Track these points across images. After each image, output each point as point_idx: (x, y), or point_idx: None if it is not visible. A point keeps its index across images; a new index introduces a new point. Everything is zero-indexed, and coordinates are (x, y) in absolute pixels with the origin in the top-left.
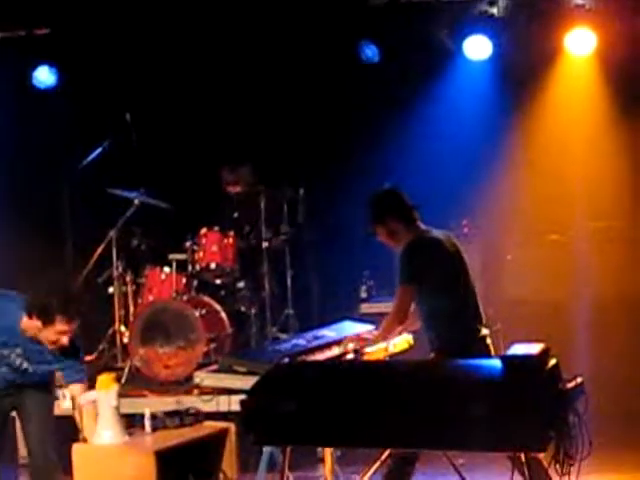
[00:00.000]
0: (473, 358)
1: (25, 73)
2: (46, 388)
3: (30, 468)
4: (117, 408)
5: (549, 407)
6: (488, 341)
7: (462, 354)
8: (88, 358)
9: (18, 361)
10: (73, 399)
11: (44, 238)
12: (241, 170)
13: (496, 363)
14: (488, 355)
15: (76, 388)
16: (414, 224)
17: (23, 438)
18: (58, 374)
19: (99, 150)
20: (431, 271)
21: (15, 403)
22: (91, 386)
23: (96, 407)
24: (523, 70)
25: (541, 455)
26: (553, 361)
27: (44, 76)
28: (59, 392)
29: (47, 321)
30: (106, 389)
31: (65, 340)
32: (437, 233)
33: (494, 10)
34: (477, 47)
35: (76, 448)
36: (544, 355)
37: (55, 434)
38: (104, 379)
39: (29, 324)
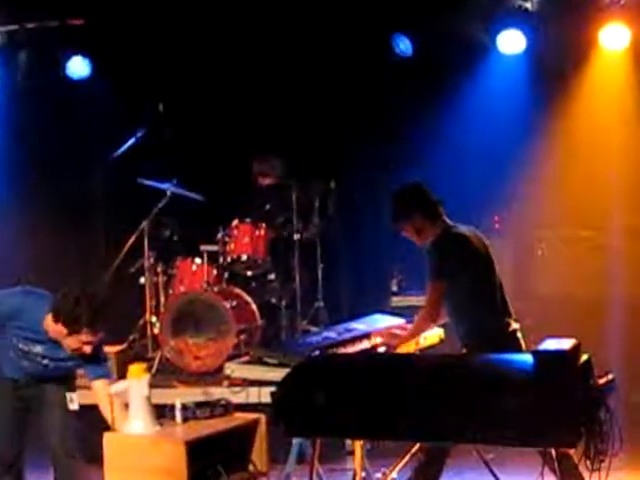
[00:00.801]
0: (504, 353)
1: (59, 63)
2: (67, 382)
3: (51, 457)
4: (148, 398)
5: (580, 403)
6: (519, 335)
7: (493, 349)
8: (118, 348)
9: (39, 357)
10: (99, 393)
11: (76, 228)
12: (272, 162)
13: (527, 358)
14: (519, 350)
15: (100, 383)
16: (440, 219)
17: (42, 432)
18: (80, 371)
19: (132, 141)
20: (459, 266)
21: (37, 394)
22: (121, 377)
23: (126, 397)
24: (557, 65)
25: (571, 451)
26: (585, 357)
27: (78, 67)
28: (67, 395)
29: (73, 331)
30: (137, 378)
31: (88, 349)
32: (463, 228)
33: (528, 4)
34: (511, 41)
35: (107, 437)
36: (576, 351)
37: (76, 428)
38: (135, 368)
39: (53, 327)
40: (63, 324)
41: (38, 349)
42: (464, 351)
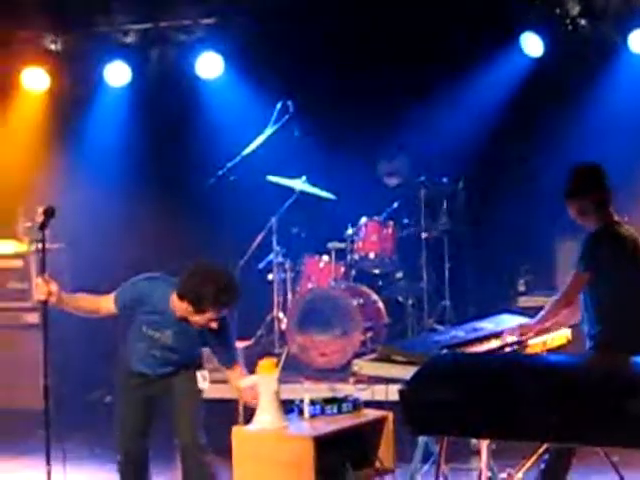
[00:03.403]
0: (634, 355)
1: (191, 62)
2: (195, 370)
3: (180, 450)
4: (277, 393)
5: None
6: None
7: (623, 350)
8: (246, 343)
9: (169, 343)
10: (230, 381)
11: (206, 224)
12: (398, 162)
13: None
14: None
15: (233, 371)
16: (606, 209)
17: (172, 425)
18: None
19: (262, 138)
20: (609, 265)
21: (165, 387)
22: (250, 371)
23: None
24: None
25: None
26: None
27: (209, 65)
28: (197, 374)
29: (198, 309)
30: (267, 373)
31: (214, 325)
32: (625, 229)
33: None
34: None
35: (235, 431)
36: None
37: (203, 416)
38: (265, 364)
39: (179, 305)
40: (189, 302)
41: (167, 335)
42: (591, 350)
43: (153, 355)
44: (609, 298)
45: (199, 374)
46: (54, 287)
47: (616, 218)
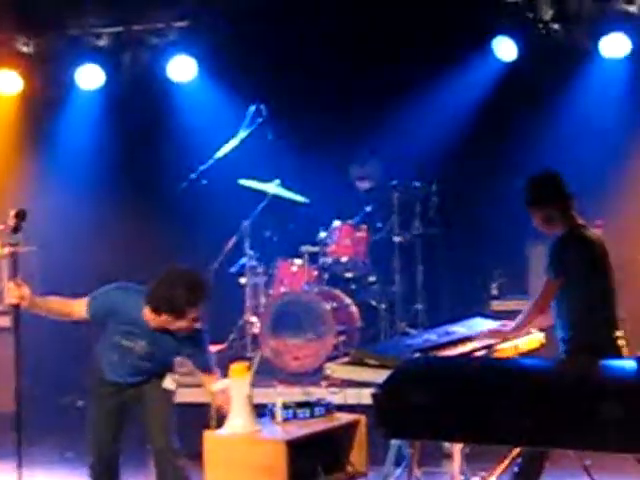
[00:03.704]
0: (606, 359)
1: (163, 65)
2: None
3: (154, 455)
4: (250, 397)
5: None
6: (621, 342)
7: (595, 355)
8: (218, 347)
9: (143, 352)
10: (205, 386)
11: (178, 228)
12: (370, 166)
13: (630, 364)
14: (620, 356)
15: (209, 376)
16: (570, 213)
17: (145, 430)
18: (188, 363)
19: (234, 142)
20: (578, 269)
21: (137, 395)
22: (224, 376)
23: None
24: None
25: None
26: None
27: (182, 68)
28: (167, 376)
29: (178, 315)
30: (239, 377)
31: (198, 324)
32: (591, 231)
33: (632, 8)
34: (615, 45)
35: (207, 436)
36: None
37: (176, 421)
38: (237, 368)
39: (158, 319)
40: (166, 313)
41: (141, 345)
42: (563, 355)
43: (126, 364)
44: (579, 302)
45: (168, 376)
46: (26, 291)
47: (581, 222)
